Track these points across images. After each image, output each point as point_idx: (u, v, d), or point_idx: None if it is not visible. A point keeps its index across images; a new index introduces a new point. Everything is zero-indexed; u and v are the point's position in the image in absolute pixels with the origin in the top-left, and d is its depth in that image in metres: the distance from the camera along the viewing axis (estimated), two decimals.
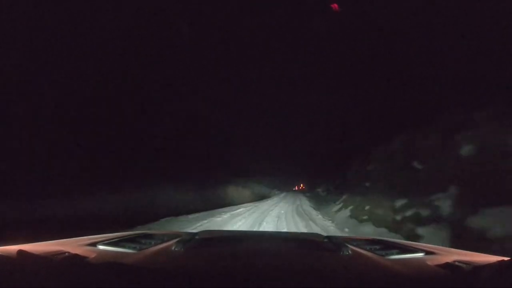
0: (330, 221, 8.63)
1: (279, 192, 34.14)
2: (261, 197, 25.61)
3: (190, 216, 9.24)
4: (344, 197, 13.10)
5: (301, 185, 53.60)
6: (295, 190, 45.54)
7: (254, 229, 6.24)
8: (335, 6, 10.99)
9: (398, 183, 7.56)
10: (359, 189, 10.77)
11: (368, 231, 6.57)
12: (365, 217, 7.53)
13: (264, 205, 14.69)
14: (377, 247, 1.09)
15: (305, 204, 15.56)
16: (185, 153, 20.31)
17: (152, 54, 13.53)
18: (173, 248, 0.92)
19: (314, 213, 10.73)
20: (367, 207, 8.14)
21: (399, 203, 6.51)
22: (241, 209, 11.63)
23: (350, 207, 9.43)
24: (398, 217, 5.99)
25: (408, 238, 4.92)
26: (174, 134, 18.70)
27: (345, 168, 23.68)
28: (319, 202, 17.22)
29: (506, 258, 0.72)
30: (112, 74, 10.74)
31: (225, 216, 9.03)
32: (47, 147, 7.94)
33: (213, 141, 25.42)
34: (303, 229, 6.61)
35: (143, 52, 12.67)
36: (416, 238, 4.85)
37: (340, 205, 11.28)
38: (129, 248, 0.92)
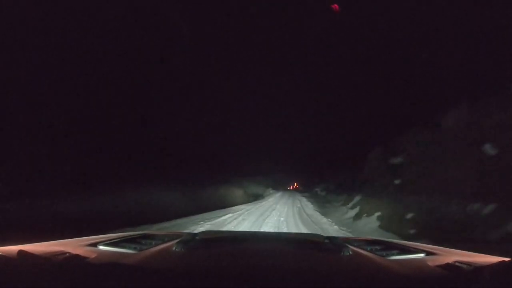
0: (353, 236, 6.02)
1: (274, 191, 31.51)
2: (255, 198, 22.98)
3: (156, 227, 6.57)
4: (357, 198, 10.55)
5: (295, 184, 52.31)
6: (290, 190, 43.22)
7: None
8: (335, 6, 9.95)
9: (462, 178, 5.01)
10: (383, 188, 8.22)
11: None
12: (412, 231, 4.95)
13: (259, 208, 12.03)
14: (378, 247, 1.06)
15: (307, 206, 12.96)
16: (176, 153, 18.39)
17: (151, 55, 12.97)
18: (173, 248, 0.90)
19: (323, 220, 8.11)
20: (409, 215, 5.57)
21: (485, 210, 3.95)
22: (229, 215, 8.96)
23: (377, 214, 6.86)
24: (494, 235, 3.41)
25: None
26: (165, 133, 17.04)
27: (350, 165, 21.36)
28: (322, 204, 14.70)
29: (506, 259, 0.70)
30: (112, 75, 10.60)
31: (203, 228, 6.33)
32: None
33: (206, 140, 23.81)
34: None
35: (142, 53, 12.15)
36: None
37: (356, 210, 8.71)
38: (129, 248, 0.91)
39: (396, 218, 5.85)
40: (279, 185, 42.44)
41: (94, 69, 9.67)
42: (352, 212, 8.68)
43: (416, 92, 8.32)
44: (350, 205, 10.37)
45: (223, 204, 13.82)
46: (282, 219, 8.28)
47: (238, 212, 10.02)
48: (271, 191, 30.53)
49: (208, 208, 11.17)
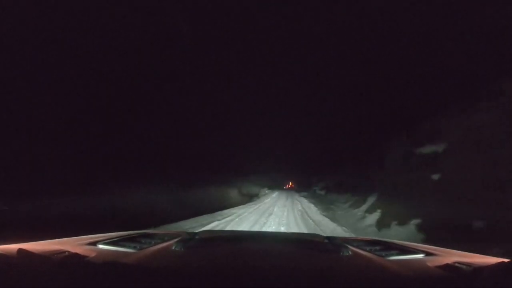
0: None
1: (270, 191, 29.56)
2: (249, 198, 21.10)
3: None
4: (371, 199, 8.68)
5: (290, 183, 51.54)
6: (286, 189, 41.53)
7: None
8: None
9: None
10: (413, 186, 6.35)
11: None
12: (499, 250, 3.09)
13: (253, 212, 10.07)
14: (377, 248, 1.05)
15: (310, 209, 11.05)
16: (167, 151, 17.56)
17: (151, 55, 12.83)
18: (173, 248, 0.90)
19: (337, 230, 6.17)
20: (478, 224, 3.69)
21: None
22: (214, 223, 6.98)
23: (415, 221, 4.96)
24: None
25: None
26: (156, 131, 16.30)
27: (353, 160, 19.64)
28: (327, 206, 12.84)
29: (505, 260, 0.68)
30: (112, 76, 10.54)
31: None
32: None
33: (199, 139, 23.19)
34: None
35: (141, 53, 12.14)
36: None
37: (376, 214, 6.82)
38: (129, 247, 0.90)
39: (455, 229, 3.95)
40: (275, 184, 40.83)
41: (95, 70, 9.46)
42: (371, 218, 6.80)
43: (452, 62, 6.48)
44: (364, 207, 8.50)
45: (213, 207, 11.90)
46: (282, 228, 6.33)
47: (226, 219, 8.05)
48: (266, 191, 28.63)
49: (194, 213, 9.29)
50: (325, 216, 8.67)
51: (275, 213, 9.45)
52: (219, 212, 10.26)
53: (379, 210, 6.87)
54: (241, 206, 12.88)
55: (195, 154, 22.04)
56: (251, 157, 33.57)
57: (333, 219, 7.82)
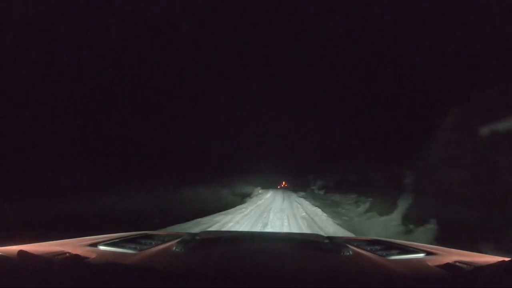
0: None
1: (264, 191, 27.13)
2: (241, 199, 18.68)
3: None
4: (404, 203, 6.39)
5: (283, 182, 50.34)
6: (279, 188, 39.48)
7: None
8: None
9: None
10: (492, 183, 4.05)
11: None
12: None
13: (242, 221, 7.66)
14: (378, 247, 1.05)
15: (317, 215, 8.67)
16: (154, 151, 16.74)
17: (150, 55, 12.75)
18: (173, 248, 0.91)
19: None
20: None
21: None
22: None
23: None
24: None
25: None
26: (142, 128, 15.37)
27: (358, 154, 17.57)
28: (334, 209, 10.55)
29: (506, 259, 0.68)
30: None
31: None
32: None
33: (191, 139, 21.12)
34: None
35: (142, 53, 12.01)
36: None
37: (431, 228, 4.55)
38: (129, 248, 0.90)
39: None
40: (268, 184, 38.67)
41: (91, 69, 9.49)
42: (424, 233, 4.46)
43: None
44: (396, 214, 6.18)
45: (194, 212, 9.46)
46: None
47: (215, 226, 5.63)
48: (260, 191, 26.24)
49: (168, 221, 7.11)
50: (342, 226, 6.30)
51: (271, 223, 7.03)
52: (199, 220, 7.85)
53: (432, 221, 4.55)
54: (229, 210, 10.41)
55: (183, 153, 20.18)
56: (242, 157, 31.57)
57: (357, 233, 5.44)
